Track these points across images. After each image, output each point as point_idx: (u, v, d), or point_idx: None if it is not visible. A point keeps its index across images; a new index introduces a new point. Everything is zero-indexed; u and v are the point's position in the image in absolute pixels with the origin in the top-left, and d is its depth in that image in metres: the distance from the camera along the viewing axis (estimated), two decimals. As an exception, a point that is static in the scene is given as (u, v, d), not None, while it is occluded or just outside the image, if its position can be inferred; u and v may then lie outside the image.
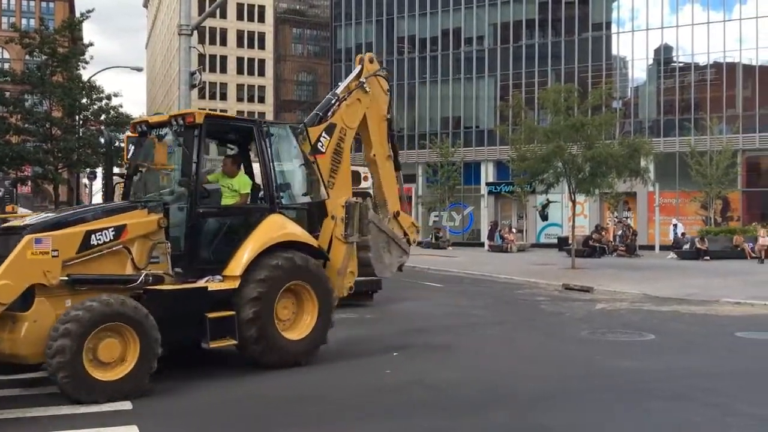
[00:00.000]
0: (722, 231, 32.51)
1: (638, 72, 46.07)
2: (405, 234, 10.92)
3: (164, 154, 8.21)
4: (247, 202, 9.19)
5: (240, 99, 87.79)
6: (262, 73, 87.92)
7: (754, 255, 29.04)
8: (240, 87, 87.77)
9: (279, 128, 9.76)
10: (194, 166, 8.29)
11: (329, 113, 9.91)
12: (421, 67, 51.62)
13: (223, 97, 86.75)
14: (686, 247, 30.73)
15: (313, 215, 9.62)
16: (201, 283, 8.20)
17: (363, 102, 10.30)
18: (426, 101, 51.51)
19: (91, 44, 33.81)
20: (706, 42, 42.51)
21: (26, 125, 31.28)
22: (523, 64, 47.40)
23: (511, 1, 48.26)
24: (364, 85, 10.27)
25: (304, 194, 9.47)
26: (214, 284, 8.24)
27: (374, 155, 10.73)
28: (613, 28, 46.13)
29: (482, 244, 41.02)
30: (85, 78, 33.06)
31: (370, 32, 54.05)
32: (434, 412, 7.09)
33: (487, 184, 46.68)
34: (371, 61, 10.70)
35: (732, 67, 42.48)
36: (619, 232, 35.81)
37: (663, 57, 44.39)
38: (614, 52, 45.99)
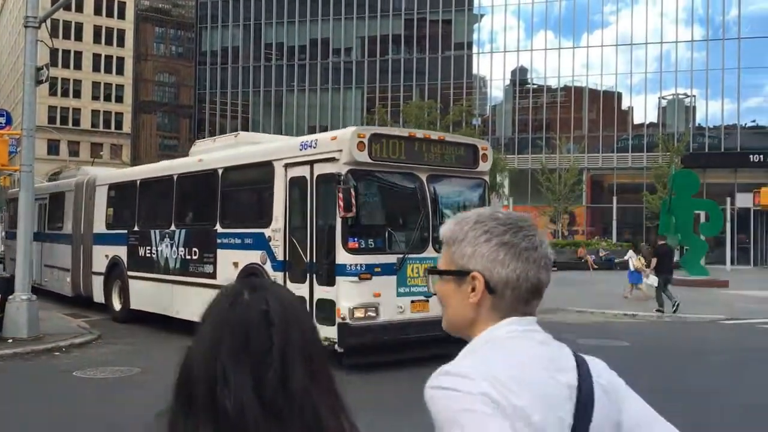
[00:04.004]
0: (568, 243, 34.77)
1: (496, 91, 48.51)
2: None
3: None
4: None
5: (96, 97, 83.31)
6: (120, 72, 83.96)
7: (596, 267, 31.36)
8: (96, 85, 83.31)
9: None
10: None
11: None
12: (289, 75, 51.44)
13: (77, 94, 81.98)
14: (536, 258, 32.48)
15: None
16: None
17: None
18: (293, 109, 51.35)
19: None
20: (557, 66, 45.49)
21: None
22: (389, 77, 48.47)
23: (378, 16, 49.26)
24: None
25: None
26: None
27: None
28: (474, 49, 48.27)
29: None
30: None
31: (237, 36, 53.19)
32: None
33: (352, 194, 47.12)
34: None
35: (579, 90, 45.73)
36: (476, 244, 37.30)
37: (519, 78, 47.00)
38: (474, 71, 48.11)
